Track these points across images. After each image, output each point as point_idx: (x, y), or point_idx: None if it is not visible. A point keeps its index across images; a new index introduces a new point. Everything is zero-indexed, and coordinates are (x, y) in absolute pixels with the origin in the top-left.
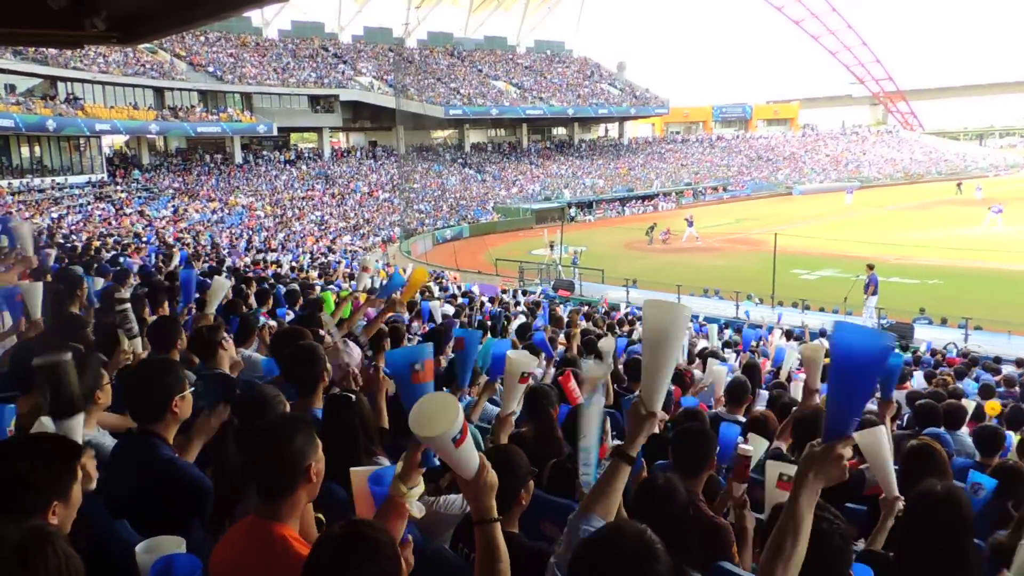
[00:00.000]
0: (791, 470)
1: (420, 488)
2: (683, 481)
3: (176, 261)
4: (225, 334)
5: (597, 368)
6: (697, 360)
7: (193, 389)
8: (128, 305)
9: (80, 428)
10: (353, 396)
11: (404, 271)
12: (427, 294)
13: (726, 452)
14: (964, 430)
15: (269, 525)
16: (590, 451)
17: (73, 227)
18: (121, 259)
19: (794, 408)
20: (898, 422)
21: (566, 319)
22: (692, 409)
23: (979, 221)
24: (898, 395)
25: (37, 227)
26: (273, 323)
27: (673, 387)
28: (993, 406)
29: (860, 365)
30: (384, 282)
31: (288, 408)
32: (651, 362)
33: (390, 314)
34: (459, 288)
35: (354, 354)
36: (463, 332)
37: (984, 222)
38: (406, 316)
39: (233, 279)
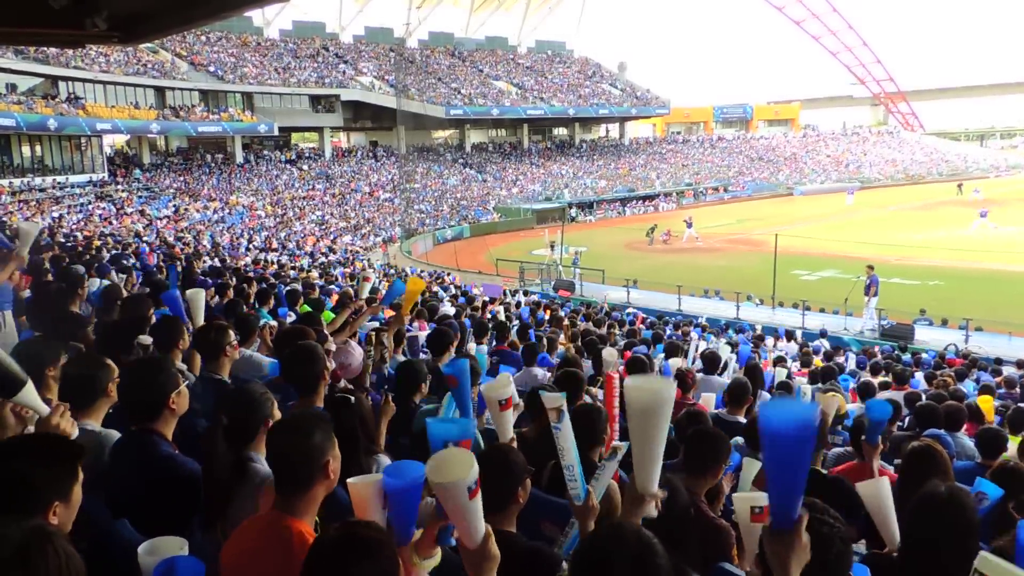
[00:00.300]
0: (762, 500)
1: (435, 560)
2: (688, 480)
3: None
4: (233, 339)
5: (552, 398)
6: (699, 362)
7: (187, 383)
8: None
9: (34, 394)
10: (352, 397)
11: (404, 276)
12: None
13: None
14: (963, 432)
15: (287, 520)
16: (572, 467)
17: (74, 226)
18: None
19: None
20: (899, 423)
21: (564, 321)
22: (695, 411)
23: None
24: (897, 396)
25: (41, 230)
26: (274, 322)
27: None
28: (985, 399)
29: (790, 443)
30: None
31: (275, 407)
32: (641, 443)
33: (398, 327)
34: (458, 288)
35: (355, 354)
36: (451, 369)
37: (973, 225)
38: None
39: (234, 279)
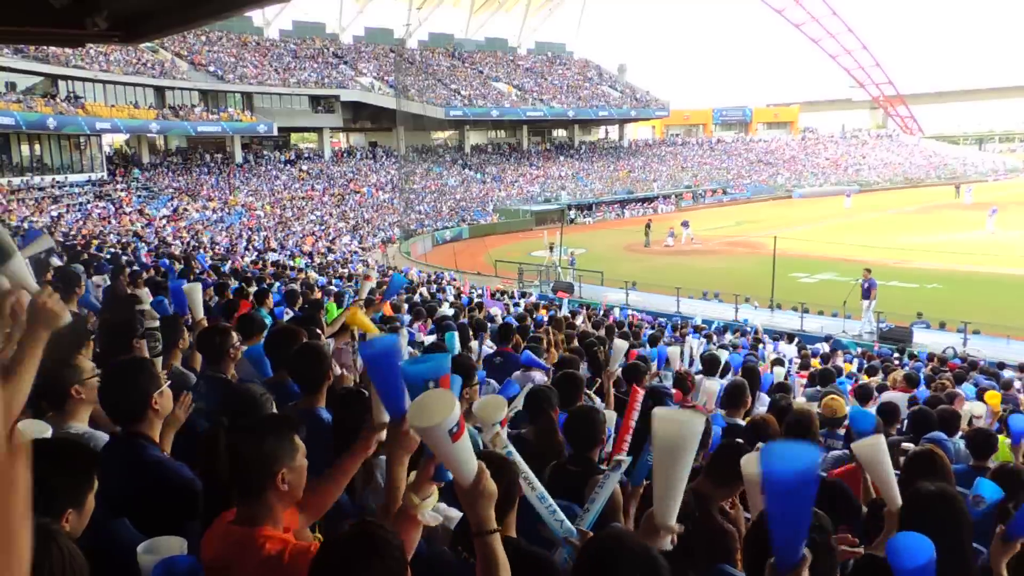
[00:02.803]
0: None
1: (433, 499)
2: (705, 485)
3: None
4: (235, 341)
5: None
6: (698, 364)
7: (189, 386)
8: (156, 323)
9: (23, 268)
10: (365, 391)
11: (398, 270)
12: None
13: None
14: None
15: (245, 527)
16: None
17: (73, 225)
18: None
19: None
20: (897, 426)
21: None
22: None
23: (978, 225)
24: (899, 398)
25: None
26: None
27: (674, 390)
28: (993, 395)
29: (793, 489)
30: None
31: (273, 408)
32: (664, 476)
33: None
34: (459, 291)
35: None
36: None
37: (988, 226)
38: (407, 318)
39: (233, 278)
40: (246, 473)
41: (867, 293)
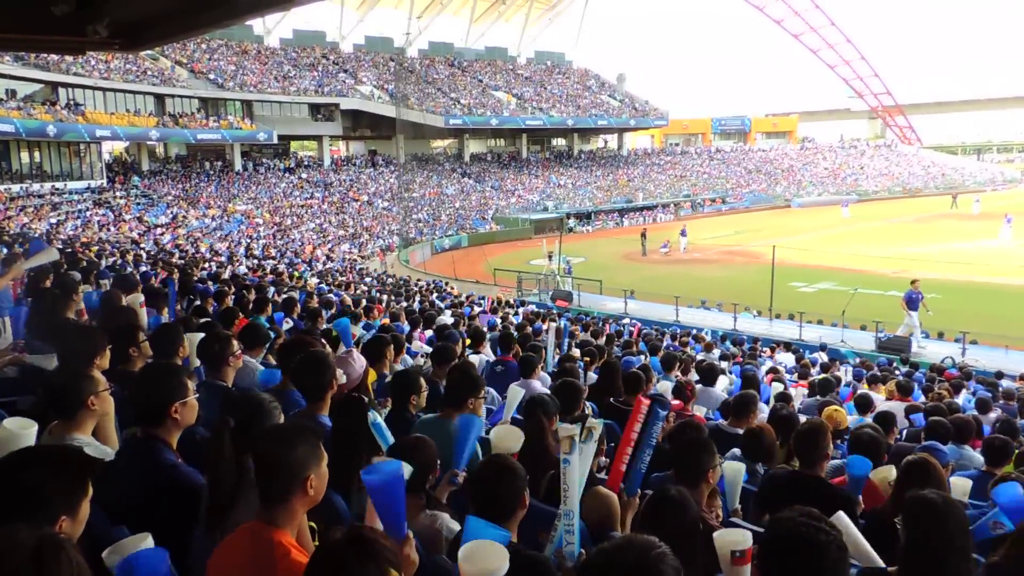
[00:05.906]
0: (745, 543)
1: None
2: (693, 493)
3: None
4: (236, 349)
5: (567, 428)
6: (695, 373)
7: (196, 396)
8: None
9: None
10: (366, 398)
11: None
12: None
13: None
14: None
15: (268, 531)
16: (572, 514)
17: (72, 233)
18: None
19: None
20: (897, 436)
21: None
22: (689, 422)
23: (978, 235)
24: (896, 407)
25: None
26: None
27: (675, 400)
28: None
29: None
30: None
31: (281, 415)
32: None
33: None
34: (459, 298)
35: (357, 365)
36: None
37: (1002, 234)
38: (406, 327)
39: (233, 286)
40: (275, 479)
41: (915, 305)
